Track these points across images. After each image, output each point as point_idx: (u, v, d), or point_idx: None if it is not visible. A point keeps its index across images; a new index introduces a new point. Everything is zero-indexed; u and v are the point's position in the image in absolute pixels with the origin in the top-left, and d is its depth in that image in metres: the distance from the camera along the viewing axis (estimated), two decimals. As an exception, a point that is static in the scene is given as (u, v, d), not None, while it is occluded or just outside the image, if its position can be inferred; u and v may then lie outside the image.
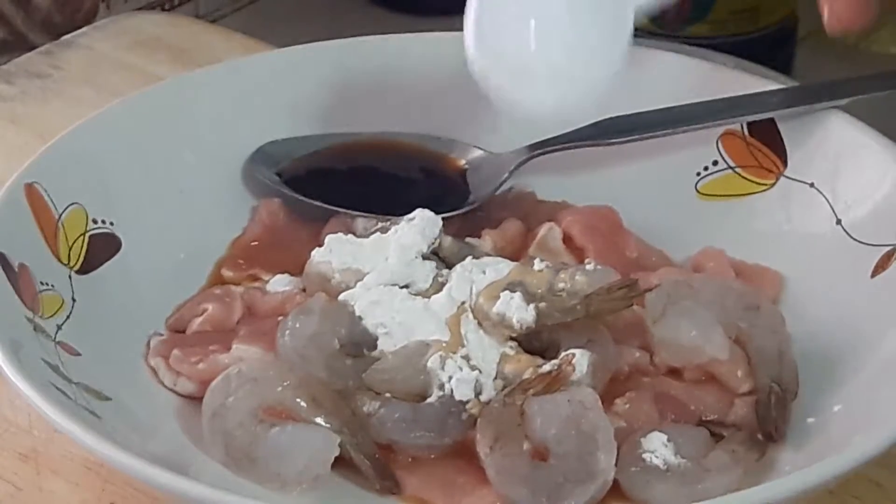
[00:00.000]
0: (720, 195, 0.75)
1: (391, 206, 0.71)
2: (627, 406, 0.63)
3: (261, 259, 0.72)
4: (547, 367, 0.62)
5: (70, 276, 0.67)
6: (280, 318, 0.66)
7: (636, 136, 0.74)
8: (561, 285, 0.63)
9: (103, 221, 0.70)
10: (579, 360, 0.62)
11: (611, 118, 0.75)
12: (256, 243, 0.73)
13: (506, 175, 0.74)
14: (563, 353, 0.63)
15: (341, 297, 0.67)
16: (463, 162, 0.76)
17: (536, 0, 0.69)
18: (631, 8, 0.69)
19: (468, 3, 0.68)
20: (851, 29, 0.68)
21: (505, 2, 0.69)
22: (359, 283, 0.67)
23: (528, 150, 0.75)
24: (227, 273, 0.72)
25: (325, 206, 0.73)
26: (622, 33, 0.68)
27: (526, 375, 0.62)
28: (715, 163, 0.75)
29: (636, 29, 0.77)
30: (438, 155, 0.76)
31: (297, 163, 0.76)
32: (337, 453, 0.61)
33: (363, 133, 0.77)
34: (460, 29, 0.76)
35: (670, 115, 0.74)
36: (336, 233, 0.70)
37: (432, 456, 0.62)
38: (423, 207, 0.70)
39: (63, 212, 0.69)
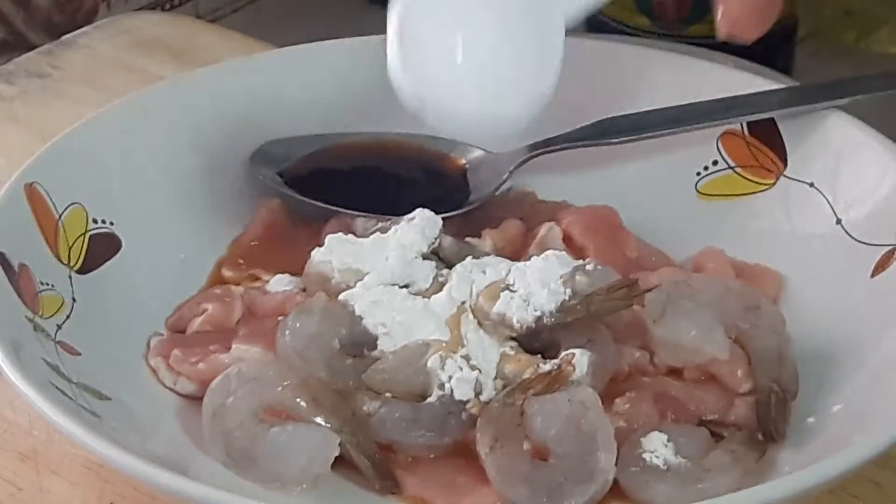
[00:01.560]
0: (720, 195, 0.75)
1: (392, 206, 0.71)
2: (627, 406, 0.63)
3: (261, 259, 0.72)
4: (547, 367, 0.62)
5: (70, 276, 0.67)
6: (280, 318, 0.66)
7: (636, 136, 0.74)
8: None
9: (103, 221, 0.70)
10: (579, 359, 0.62)
11: (611, 118, 0.75)
12: (256, 243, 0.73)
13: (506, 175, 0.75)
14: (563, 353, 0.63)
15: (341, 296, 0.67)
16: (463, 161, 0.76)
17: (461, 21, 0.67)
18: (559, 21, 0.67)
19: (389, 27, 0.67)
20: (743, 37, 0.67)
21: (429, 25, 0.67)
22: (359, 283, 0.67)
23: (529, 149, 0.75)
24: (227, 273, 0.72)
25: (327, 206, 0.73)
26: (553, 50, 0.67)
27: (526, 375, 0.62)
28: (715, 163, 0.75)
29: (637, 29, 0.77)
30: (439, 154, 0.76)
31: (299, 163, 0.76)
32: (337, 453, 0.61)
33: (364, 133, 0.77)
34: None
35: (670, 115, 0.74)
36: (336, 233, 0.70)
37: (432, 456, 0.62)
38: (424, 207, 0.70)
39: (63, 211, 0.69)
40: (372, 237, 0.69)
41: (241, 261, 0.73)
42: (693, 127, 0.74)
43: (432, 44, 0.67)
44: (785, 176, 0.73)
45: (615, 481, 0.60)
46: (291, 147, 0.77)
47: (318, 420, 0.61)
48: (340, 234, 0.70)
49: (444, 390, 0.62)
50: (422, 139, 0.77)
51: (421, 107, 0.67)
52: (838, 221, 0.70)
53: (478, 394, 0.62)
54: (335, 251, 0.69)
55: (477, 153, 0.76)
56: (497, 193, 0.75)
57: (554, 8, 0.66)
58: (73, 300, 0.67)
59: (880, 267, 0.67)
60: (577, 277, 0.64)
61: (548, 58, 0.66)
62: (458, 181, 0.76)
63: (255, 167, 0.75)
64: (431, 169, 0.76)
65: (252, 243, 0.73)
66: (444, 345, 0.63)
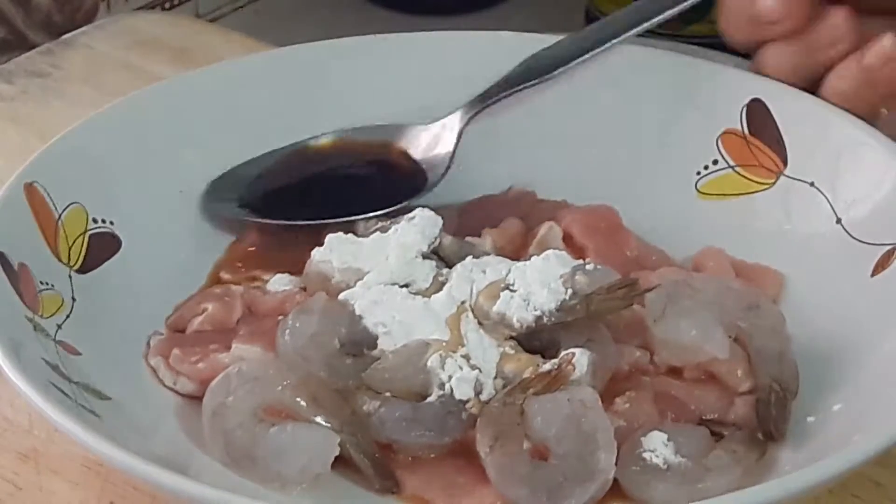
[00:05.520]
0: (720, 194, 0.75)
1: (356, 206, 0.72)
2: (627, 405, 0.63)
3: (260, 261, 0.72)
4: (547, 367, 0.62)
5: (70, 276, 0.67)
6: (280, 317, 0.66)
7: (562, 69, 0.74)
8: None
9: (103, 221, 0.70)
10: (579, 359, 0.62)
11: (532, 56, 0.75)
12: (254, 248, 0.73)
13: (454, 143, 0.74)
14: (563, 353, 0.63)
15: (341, 296, 0.67)
16: (404, 145, 0.76)
17: None
18: None
19: None
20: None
21: None
22: (359, 283, 0.67)
23: (466, 110, 0.75)
24: (226, 276, 0.72)
25: (294, 223, 0.73)
26: None
27: (526, 375, 0.62)
28: (715, 162, 0.75)
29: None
30: (381, 144, 0.76)
31: (254, 186, 0.75)
32: (337, 452, 0.61)
33: (301, 142, 0.77)
34: (460, 28, 0.76)
35: (580, 41, 0.75)
36: (336, 232, 0.70)
37: (432, 455, 0.62)
38: (390, 198, 0.71)
39: (63, 211, 0.69)
40: (372, 236, 0.69)
41: (240, 264, 0.72)
42: (603, 49, 0.75)
43: None
44: (785, 175, 0.73)
45: (615, 481, 0.60)
46: (241, 174, 0.76)
47: (318, 419, 0.61)
48: (340, 233, 0.70)
49: (444, 390, 0.62)
50: (361, 132, 0.77)
51: None
52: (838, 221, 0.70)
53: (478, 393, 0.62)
54: (335, 250, 0.69)
55: (413, 131, 0.76)
56: (454, 167, 0.74)
57: None
58: (73, 300, 0.67)
59: (880, 266, 0.67)
60: (577, 277, 0.64)
61: None
62: (410, 165, 0.76)
63: (213, 205, 0.74)
64: (381, 161, 0.76)
65: (250, 248, 0.73)
66: (444, 344, 0.63)
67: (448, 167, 0.75)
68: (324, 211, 0.73)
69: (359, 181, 0.76)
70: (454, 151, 0.75)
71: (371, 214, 0.72)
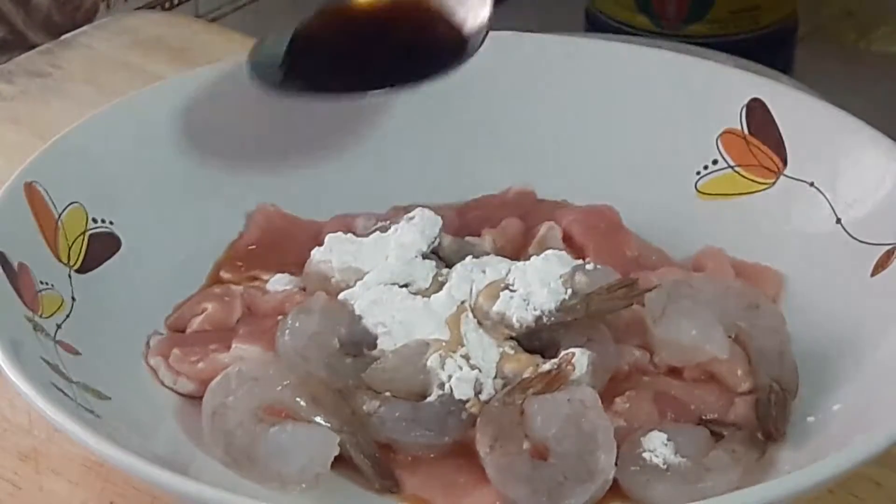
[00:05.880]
0: (720, 194, 0.75)
1: (397, 73, 0.72)
2: (627, 405, 0.63)
3: (259, 261, 0.72)
4: (547, 367, 0.62)
5: (70, 276, 0.67)
6: (280, 317, 0.66)
7: None
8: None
9: (103, 221, 0.70)
10: (579, 359, 0.62)
11: None
12: (254, 247, 0.73)
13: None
14: (562, 353, 0.63)
15: (341, 296, 0.67)
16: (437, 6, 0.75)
17: None
18: None
19: None
20: None
21: None
22: (359, 283, 0.67)
23: None
24: (225, 275, 0.72)
25: (337, 93, 0.73)
26: None
27: (526, 374, 0.62)
28: (715, 162, 0.75)
29: (637, 29, 0.77)
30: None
31: (294, 53, 0.75)
32: (337, 452, 0.61)
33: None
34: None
35: None
36: (336, 232, 0.70)
37: (432, 455, 0.62)
38: (429, 66, 0.70)
39: (63, 211, 0.69)
40: (372, 236, 0.69)
41: (240, 263, 0.72)
42: None
43: None
44: (785, 175, 0.73)
45: (615, 481, 0.60)
46: (276, 45, 0.75)
47: (318, 419, 0.61)
48: (340, 233, 0.70)
49: (443, 389, 0.62)
50: None
51: None
52: (838, 221, 0.70)
53: (477, 393, 0.62)
54: (335, 250, 0.69)
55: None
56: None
57: None
58: (73, 299, 0.67)
59: (880, 266, 0.67)
60: (577, 277, 0.64)
61: None
62: (448, 29, 0.74)
63: (258, 79, 0.74)
64: (418, 22, 0.75)
65: (250, 247, 0.73)
66: (443, 344, 0.63)
67: (487, 31, 0.73)
68: (365, 79, 0.72)
69: (398, 47, 0.74)
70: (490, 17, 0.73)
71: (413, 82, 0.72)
